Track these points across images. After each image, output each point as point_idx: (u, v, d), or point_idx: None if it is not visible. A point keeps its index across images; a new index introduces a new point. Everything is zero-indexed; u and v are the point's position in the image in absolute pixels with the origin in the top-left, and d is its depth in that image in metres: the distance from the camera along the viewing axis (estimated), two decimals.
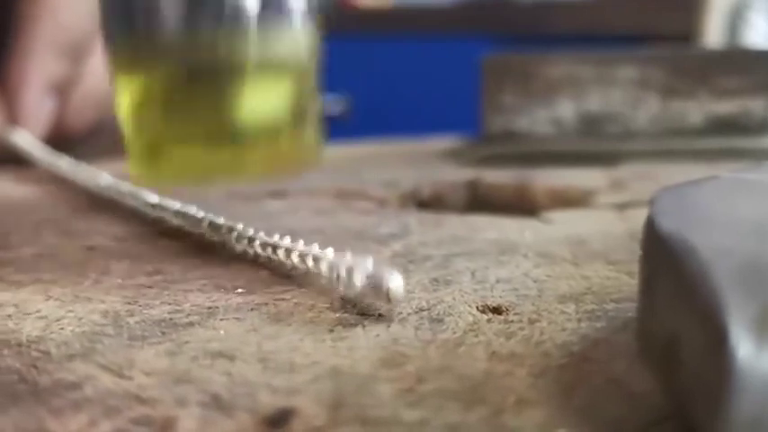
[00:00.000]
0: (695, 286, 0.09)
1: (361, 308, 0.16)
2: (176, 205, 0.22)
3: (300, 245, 0.17)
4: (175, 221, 0.22)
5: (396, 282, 0.15)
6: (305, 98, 0.19)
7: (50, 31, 0.35)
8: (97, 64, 0.33)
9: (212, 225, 0.20)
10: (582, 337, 0.14)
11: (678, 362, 0.10)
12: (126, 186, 0.25)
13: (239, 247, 0.19)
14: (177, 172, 0.19)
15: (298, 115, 0.19)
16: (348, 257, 0.16)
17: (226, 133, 0.18)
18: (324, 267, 0.16)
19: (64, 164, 0.30)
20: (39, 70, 0.36)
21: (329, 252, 0.17)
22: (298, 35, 0.18)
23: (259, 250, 0.18)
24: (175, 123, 0.18)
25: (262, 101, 0.18)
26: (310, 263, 0.17)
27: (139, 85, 0.18)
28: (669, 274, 0.10)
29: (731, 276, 0.09)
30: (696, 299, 0.09)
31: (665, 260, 0.11)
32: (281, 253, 0.18)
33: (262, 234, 0.19)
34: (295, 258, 0.17)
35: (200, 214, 0.21)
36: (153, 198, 0.23)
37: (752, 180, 0.13)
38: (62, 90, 0.37)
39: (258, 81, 0.18)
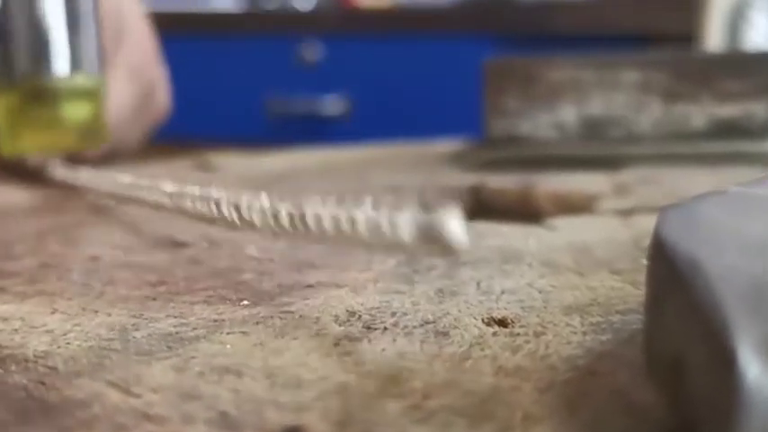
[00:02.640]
0: (703, 306, 0.09)
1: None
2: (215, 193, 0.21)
3: (330, 208, 0.15)
4: (201, 206, 0.19)
5: (454, 224, 0.12)
6: (98, 108, 0.34)
7: None
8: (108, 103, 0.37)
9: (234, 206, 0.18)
10: (587, 351, 0.14)
11: (685, 380, 0.10)
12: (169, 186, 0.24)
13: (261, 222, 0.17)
14: (26, 149, 0.34)
15: (93, 120, 0.34)
16: (386, 212, 0.14)
17: (53, 130, 0.33)
18: (362, 227, 0.14)
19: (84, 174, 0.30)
20: None
21: (365, 210, 0.14)
22: (92, 73, 0.34)
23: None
24: (25, 124, 0.33)
25: (73, 112, 0.33)
26: (345, 226, 0.14)
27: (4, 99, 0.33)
28: (677, 292, 0.10)
29: (739, 297, 0.09)
30: (704, 319, 0.09)
31: (672, 279, 0.11)
32: (310, 221, 0.15)
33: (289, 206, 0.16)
34: (327, 223, 0.15)
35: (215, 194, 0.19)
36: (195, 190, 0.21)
37: (759, 195, 0.13)
38: None
39: (70, 100, 0.33)
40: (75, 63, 0.33)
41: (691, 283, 0.10)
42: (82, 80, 0.33)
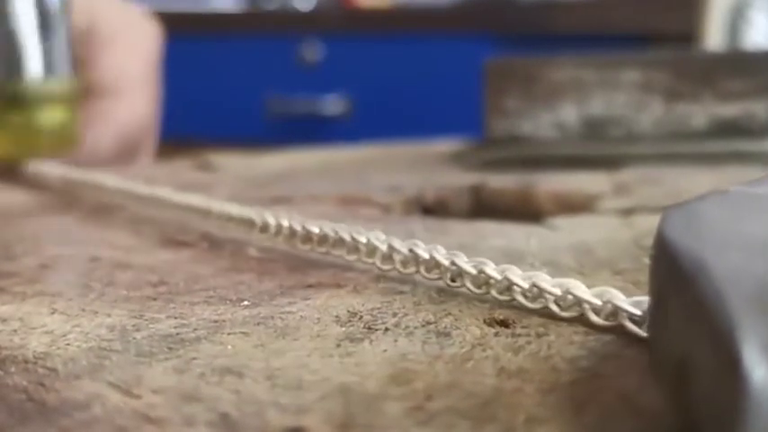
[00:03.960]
0: (708, 307, 0.09)
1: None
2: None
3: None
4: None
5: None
6: (71, 113, 0.35)
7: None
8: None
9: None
10: (590, 352, 0.14)
11: (690, 382, 0.10)
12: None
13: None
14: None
15: (67, 125, 0.35)
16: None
17: (25, 135, 0.34)
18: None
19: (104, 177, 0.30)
20: None
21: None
22: (65, 77, 0.35)
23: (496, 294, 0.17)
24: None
25: (47, 117, 0.34)
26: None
27: None
28: (681, 293, 0.10)
29: (745, 298, 0.09)
30: (709, 320, 0.09)
31: (676, 279, 0.11)
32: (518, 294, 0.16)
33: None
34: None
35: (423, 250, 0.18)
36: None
37: (761, 195, 0.13)
38: None
39: (44, 105, 0.34)
40: (48, 67, 0.33)
41: (695, 284, 0.10)
42: (55, 85, 0.34)
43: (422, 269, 0.18)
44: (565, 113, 0.36)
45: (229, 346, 0.15)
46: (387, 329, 0.15)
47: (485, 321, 0.16)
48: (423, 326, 0.15)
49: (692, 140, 0.35)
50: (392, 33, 1.14)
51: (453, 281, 0.17)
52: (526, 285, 0.16)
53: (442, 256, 0.17)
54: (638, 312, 0.14)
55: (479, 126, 0.37)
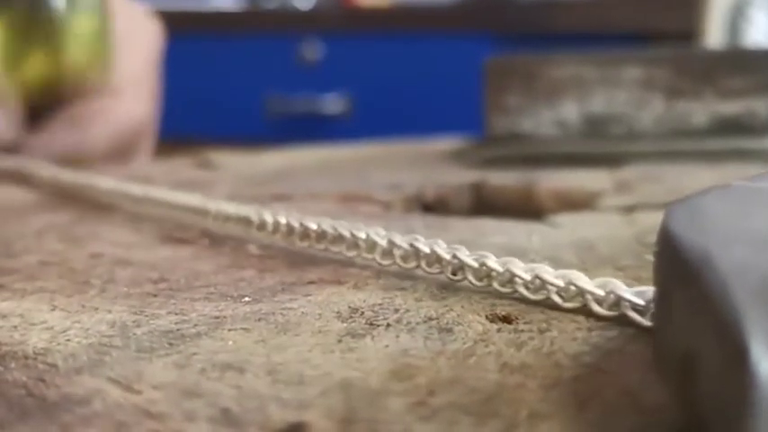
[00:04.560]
0: (714, 301, 0.09)
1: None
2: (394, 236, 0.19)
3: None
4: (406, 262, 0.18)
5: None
6: (102, 38, 0.34)
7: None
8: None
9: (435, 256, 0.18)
10: (593, 347, 0.14)
11: (695, 377, 0.10)
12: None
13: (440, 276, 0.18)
14: (25, 82, 0.33)
15: (97, 48, 0.34)
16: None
17: (56, 50, 0.32)
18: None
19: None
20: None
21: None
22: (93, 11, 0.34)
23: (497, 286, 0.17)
24: (21, 51, 0.32)
25: (77, 26, 0.32)
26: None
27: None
28: (686, 287, 0.10)
29: (750, 291, 0.09)
30: (715, 314, 0.09)
31: (681, 273, 0.10)
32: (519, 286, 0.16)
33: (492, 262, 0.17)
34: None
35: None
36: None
37: (763, 189, 0.13)
38: None
39: (68, 27, 0.32)
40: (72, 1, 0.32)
41: (700, 278, 0.10)
42: (81, 18, 0.32)
43: (423, 263, 0.18)
44: (566, 111, 0.35)
45: (230, 342, 0.14)
46: (388, 325, 0.15)
47: (487, 317, 0.16)
48: (425, 322, 0.15)
49: (692, 138, 0.35)
50: (392, 32, 1.14)
51: (455, 274, 0.17)
52: (528, 277, 0.16)
53: (443, 250, 0.17)
54: (641, 302, 0.14)
55: (480, 124, 0.37)
